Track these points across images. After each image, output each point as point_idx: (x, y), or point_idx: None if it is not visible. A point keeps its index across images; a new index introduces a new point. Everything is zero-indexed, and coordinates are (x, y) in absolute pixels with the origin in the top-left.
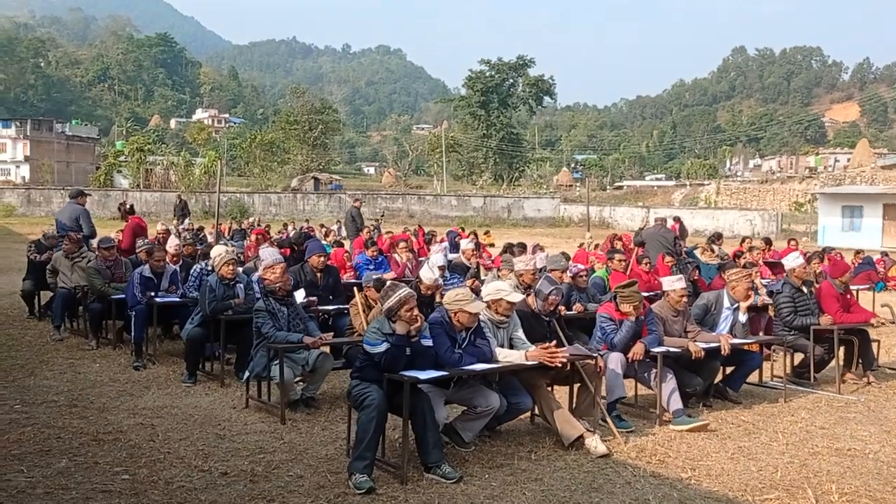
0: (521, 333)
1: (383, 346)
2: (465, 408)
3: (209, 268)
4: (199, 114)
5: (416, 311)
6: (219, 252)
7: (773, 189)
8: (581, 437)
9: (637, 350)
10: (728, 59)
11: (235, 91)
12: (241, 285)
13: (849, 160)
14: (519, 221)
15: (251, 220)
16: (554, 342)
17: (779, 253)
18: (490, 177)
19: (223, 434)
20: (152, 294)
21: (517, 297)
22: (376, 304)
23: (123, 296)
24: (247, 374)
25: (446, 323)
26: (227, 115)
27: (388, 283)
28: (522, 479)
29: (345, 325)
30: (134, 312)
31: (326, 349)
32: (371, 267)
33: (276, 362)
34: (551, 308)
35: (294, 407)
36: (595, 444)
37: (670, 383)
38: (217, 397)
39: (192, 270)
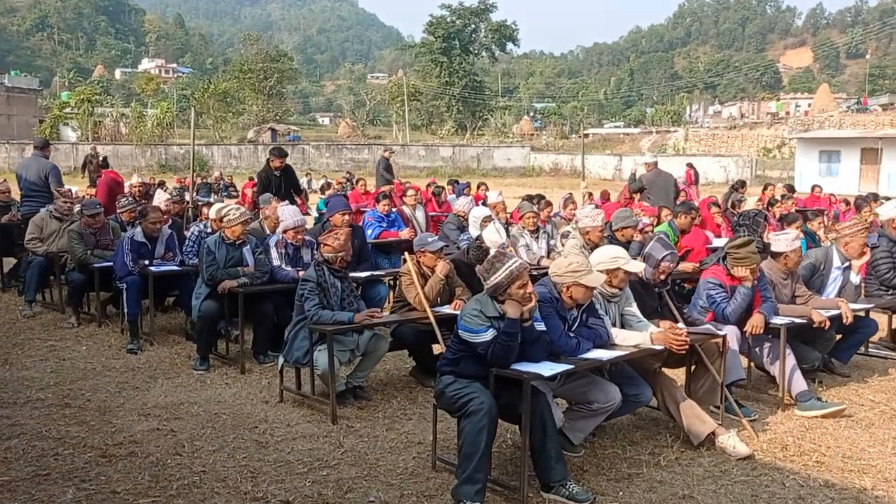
0: (634, 308)
1: (489, 334)
2: (573, 403)
3: (209, 229)
4: (146, 64)
5: (530, 288)
6: (229, 209)
7: (741, 135)
8: (713, 434)
9: (757, 322)
10: (684, 6)
11: (182, 40)
12: (248, 248)
13: (809, 105)
14: (489, 171)
15: (216, 174)
16: (668, 321)
17: (802, 201)
18: (453, 126)
19: (265, 441)
20: (146, 262)
21: (637, 265)
22: (433, 272)
23: (109, 263)
24: (281, 360)
25: (556, 300)
26: (174, 65)
27: (495, 252)
28: (666, 496)
29: (378, 296)
30: (126, 284)
31: (380, 329)
32: (384, 225)
33: (320, 347)
34: (662, 277)
35: (341, 400)
36: (732, 442)
37: (790, 360)
38: (241, 388)
39: (189, 233)
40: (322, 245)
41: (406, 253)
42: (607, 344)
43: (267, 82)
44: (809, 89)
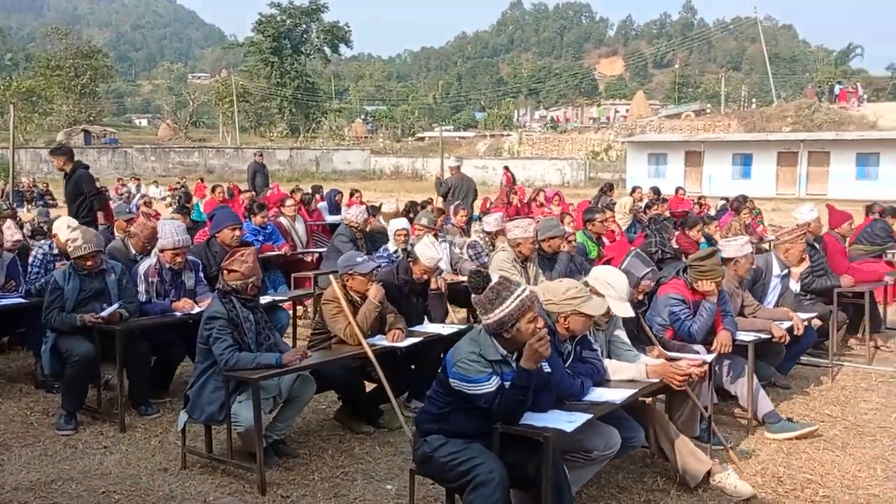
0: (623, 334)
1: (493, 383)
2: (567, 452)
3: (55, 250)
4: None
5: (541, 322)
6: (75, 235)
7: (571, 139)
8: (708, 473)
9: (724, 340)
10: (507, 14)
11: None
12: (113, 277)
13: (627, 111)
14: (328, 175)
15: (26, 180)
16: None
17: (668, 203)
18: (286, 128)
19: None
20: None
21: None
22: (363, 298)
23: None
24: (184, 417)
25: (551, 332)
26: None
27: (498, 279)
28: None
29: (279, 324)
30: None
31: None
32: (261, 238)
33: (241, 398)
34: (640, 297)
35: (264, 461)
36: (731, 481)
37: (755, 379)
38: (127, 452)
39: (32, 257)
40: (226, 272)
41: (331, 276)
42: (604, 380)
43: (79, 80)
44: (624, 95)
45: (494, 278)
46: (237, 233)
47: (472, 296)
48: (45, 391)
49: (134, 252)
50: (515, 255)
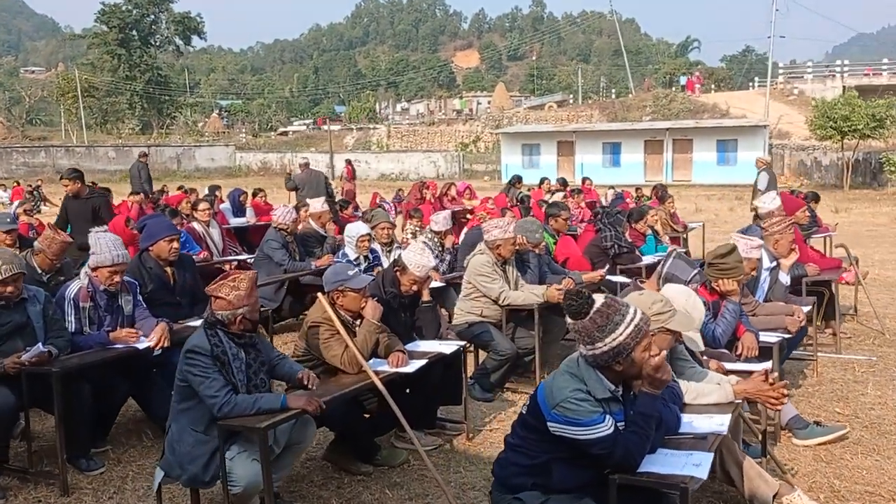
0: (685, 350)
1: (608, 425)
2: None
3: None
4: None
5: (656, 350)
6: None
7: (439, 131)
8: (776, 495)
9: (750, 343)
10: (360, 6)
11: None
12: (36, 307)
13: (489, 103)
14: (192, 172)
15: None
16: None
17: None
18: (137, 124)
19: None
20: None
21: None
22: (356, 317)
23: None
24: (159, 475)
25: None
26: None
27: (605, 301)
28: None
29: None
30: None
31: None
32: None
33: (236, 452)
34: None
35: None
36: (804, 502)
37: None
38: None
39: None
40: (213, 298)
41: (319, 294)
42: (683, 403)
43: None
44: (482, 87)
45: (479, 283)
46: (175, 244)
47: (570, 322)
48: None
49: (41, 271)
50: (495, 257)
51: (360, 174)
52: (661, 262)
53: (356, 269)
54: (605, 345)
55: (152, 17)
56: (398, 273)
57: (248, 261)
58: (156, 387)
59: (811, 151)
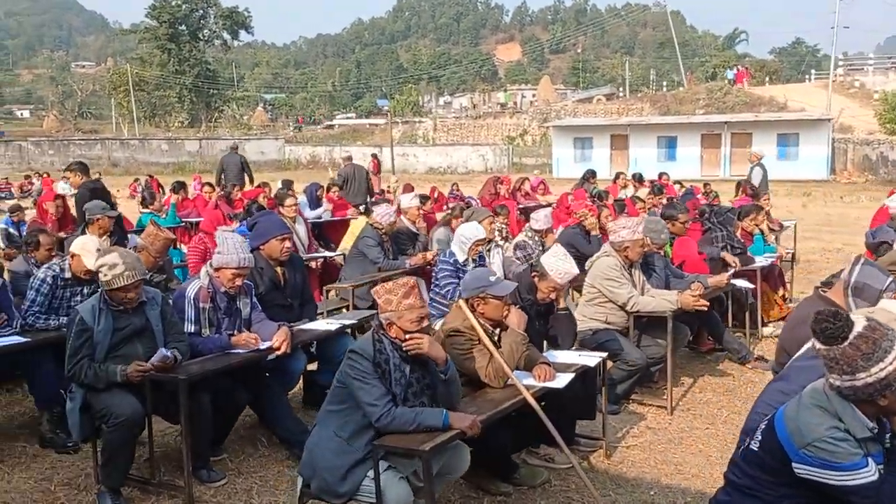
0: None
1: (873, 470)
2: None
3: (67, 273)
4: None
5: None
6: (111, 259)
7: (486, 124)
8: None
9: None
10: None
11: None
12: (155, 309)
13: (534, 96)
14: None
15: None
16: None
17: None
18: (186, 117)
19: None
20: None
21: None
22: (497, 326)
23: None
24: (300, 482)
25: None
26: None
27: (867, 324)
28: None
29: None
30: None
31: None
32: None
33: (381, 470)
34: None
35: None
36: None
37: None
38: None
39: (33, 280)
40: (381, 307)
41: (461, 300)
42: None
43: None
44: (525, 81)
45: (606, 287)
46: (287, 244)
47: (823, 348)
48: (56, 451)
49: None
50: (622, 260)
51: (407, 168)
52: (847, 270)
53: (497, 276)
54: (870, 375)
55: (201, 11)
56: (536, 279)
57: (336, 257)
58: (272, 393)
59: (876, 146)
